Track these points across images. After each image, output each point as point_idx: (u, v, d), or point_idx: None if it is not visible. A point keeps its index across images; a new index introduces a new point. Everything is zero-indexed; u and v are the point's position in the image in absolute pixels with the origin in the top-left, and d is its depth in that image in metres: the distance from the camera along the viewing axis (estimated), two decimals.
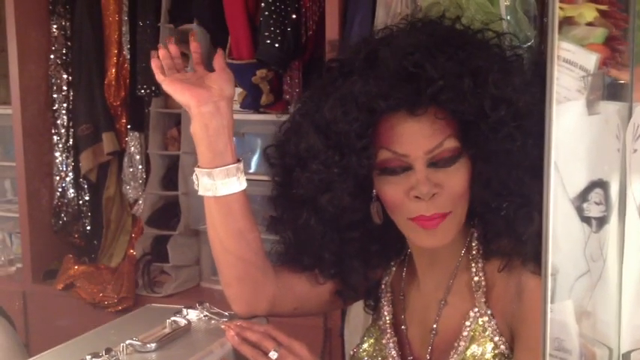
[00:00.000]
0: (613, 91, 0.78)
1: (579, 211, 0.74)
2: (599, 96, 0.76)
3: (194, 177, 1.09)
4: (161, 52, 1.13)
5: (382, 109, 0.97)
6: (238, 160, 1.09)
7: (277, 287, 1.15)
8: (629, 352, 0.78)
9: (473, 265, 1.06)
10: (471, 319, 1.03)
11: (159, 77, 1.11)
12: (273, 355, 1.02)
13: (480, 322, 1.03)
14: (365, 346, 1.17)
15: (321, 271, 1.16)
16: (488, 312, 1.03)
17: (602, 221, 0.77)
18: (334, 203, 1.05)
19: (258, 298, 1.13)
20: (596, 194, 0.75)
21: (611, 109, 0.77)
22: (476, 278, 1.05)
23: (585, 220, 0.75)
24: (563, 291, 0.72)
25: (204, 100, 1.06)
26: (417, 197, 0.98)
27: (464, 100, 0.96)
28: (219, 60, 1.12)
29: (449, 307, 1.08)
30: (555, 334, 0.70)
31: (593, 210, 0.75)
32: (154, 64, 1.12)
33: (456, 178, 1.00)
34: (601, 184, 0.76)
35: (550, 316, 0.66)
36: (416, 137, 0.98)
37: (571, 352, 0.73)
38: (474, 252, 1.06)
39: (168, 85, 1.09)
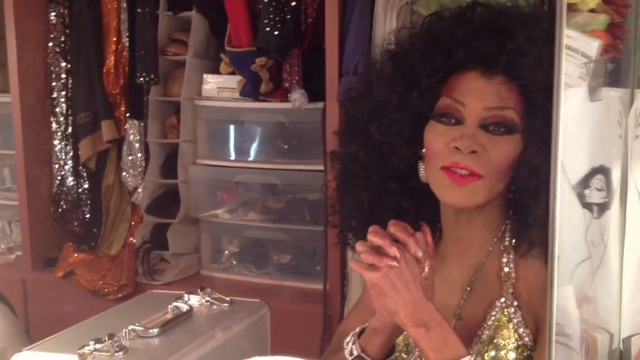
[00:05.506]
0: (615, 78, 0.79)
1: (581, 197, 0.75)
2: (601, 82, 0.76)
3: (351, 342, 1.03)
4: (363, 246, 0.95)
5: (459, 56, 1.01)
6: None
7: None
8: (629, 337, 0.78)
9: (504, 255, 1.05)
10: (497, 309, 1.03)
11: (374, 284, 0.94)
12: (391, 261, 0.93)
13: (506, 313, 1.03)
14: None
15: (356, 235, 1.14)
16: (515, 303, 1.03)
17: (603, 207, 0.77)
18: (383, 131, 1.07)
19: None
20: (597, 180, 0.76)
21: (613, 95, 0.78)
22: (506, 269, 1.04)
23: (587, 206, 0.76)
24: (564, 276, 0.72)
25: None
26: (456, 148, 0.99)
27: (537, 70, 0.97)
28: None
29: (474, 294, 1.07)
30: (556, 320, 0.71)
31: (594, 196, 0.76)
32: (362, 263, 0.94)
33: (500, 150, 0.99)
34: (602, 171, 0.76)
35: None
36: (480, 92, 1.01)
37: (572, 336, 0.73)
38: (506, 243, 1.06)
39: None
